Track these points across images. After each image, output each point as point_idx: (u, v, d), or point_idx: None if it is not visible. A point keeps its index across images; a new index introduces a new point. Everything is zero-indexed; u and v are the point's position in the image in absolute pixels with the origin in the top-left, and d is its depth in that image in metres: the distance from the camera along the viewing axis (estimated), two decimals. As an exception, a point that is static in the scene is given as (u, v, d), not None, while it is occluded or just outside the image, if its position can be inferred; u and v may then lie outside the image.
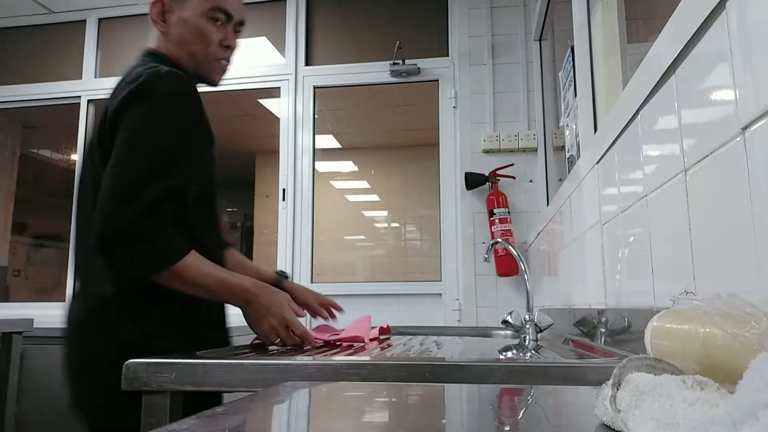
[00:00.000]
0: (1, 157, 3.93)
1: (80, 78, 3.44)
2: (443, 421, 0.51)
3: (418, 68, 3.01)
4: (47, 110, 3.58)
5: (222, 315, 1.24)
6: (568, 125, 1.94)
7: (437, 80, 3.03)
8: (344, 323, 1.50)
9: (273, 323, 1.12)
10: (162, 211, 1.04)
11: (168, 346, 0.97)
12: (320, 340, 1.25)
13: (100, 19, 3.49)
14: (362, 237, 4.09)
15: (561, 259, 1.80)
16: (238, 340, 1.26)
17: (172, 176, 1.07)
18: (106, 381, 0.97)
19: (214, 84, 1.28)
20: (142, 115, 1.07)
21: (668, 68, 0.81)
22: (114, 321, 1.09)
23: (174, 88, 1.11)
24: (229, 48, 1.26)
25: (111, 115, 1.08)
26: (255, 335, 1.20)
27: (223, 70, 1.28)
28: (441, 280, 2.89)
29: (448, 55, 3.04)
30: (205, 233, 1.18)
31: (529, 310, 1.50)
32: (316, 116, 3.19)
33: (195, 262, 1.07)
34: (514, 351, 1.33)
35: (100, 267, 1.08)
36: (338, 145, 4.04)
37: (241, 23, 1.27)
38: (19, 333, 2.33)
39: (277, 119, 3.24)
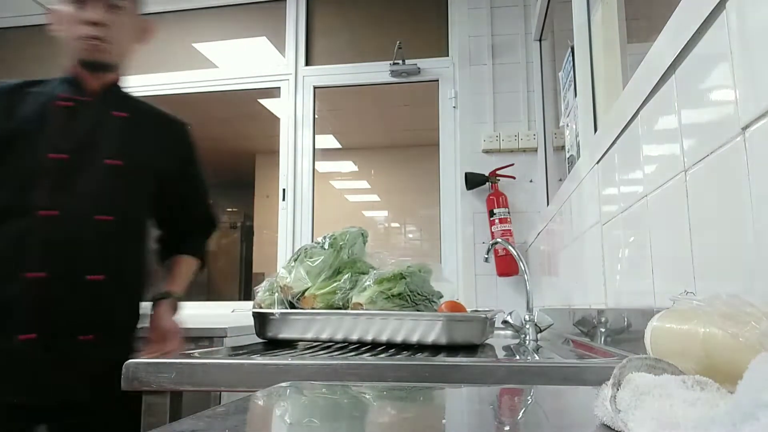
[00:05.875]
0: (1, 157, 3.92)
1: (80, 78, 3.44)
2: (443, 421, 0.51)
3: (418, 68, 3.01)
4: (47, 110, 3.58)
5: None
6: (568, 125, 1.94)
7: (437, 80, 3.03)
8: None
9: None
10: None
11: None
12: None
13: (100, 19, 3.48)
14: (362, 237, 4.08)
15: (561, 259, 1.80)
16: (236, 341, 1.26)
17: None
18: None
19: (92, 64, 1.28)
20: None
21: (668, 68, 0.81)
22: None
23: None
24: (94, 24, 1.24)
25: None
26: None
27: (94, 48, 1.27)
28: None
29: (448, 55, 3.04)
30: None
31: (529, 310, 1.50)
32: (316, 116, 3.18)
33: None
34: (514, 351, 1.33)
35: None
36: (338, 145, 4.04)
37: None
38: (19, 333, 2.33)
39: (277, 119, 3.24)
